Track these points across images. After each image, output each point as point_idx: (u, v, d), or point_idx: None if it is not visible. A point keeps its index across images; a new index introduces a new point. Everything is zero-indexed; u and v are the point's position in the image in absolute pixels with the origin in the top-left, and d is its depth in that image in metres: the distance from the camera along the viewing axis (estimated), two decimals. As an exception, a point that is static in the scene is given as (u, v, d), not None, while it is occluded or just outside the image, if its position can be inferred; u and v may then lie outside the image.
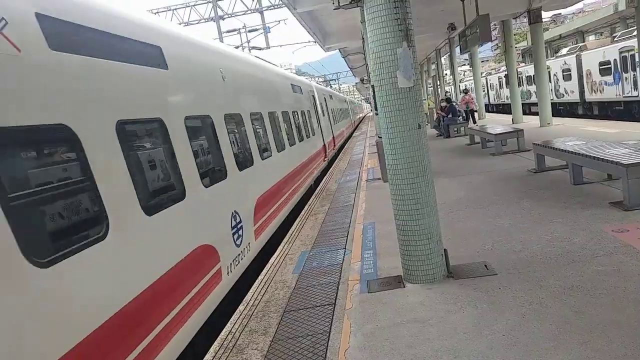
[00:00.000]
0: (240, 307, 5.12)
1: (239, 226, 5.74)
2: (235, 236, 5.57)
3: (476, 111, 23.40)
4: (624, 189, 5.93)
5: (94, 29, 3.67)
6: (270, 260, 6.67)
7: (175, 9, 29.22)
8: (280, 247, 7.29)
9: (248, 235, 6.07)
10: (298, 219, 8.99)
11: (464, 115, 21.39)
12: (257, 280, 5.91)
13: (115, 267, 3.26)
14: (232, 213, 5.61)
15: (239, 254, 5.59)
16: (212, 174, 5.38)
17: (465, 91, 23.46)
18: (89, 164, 3.21)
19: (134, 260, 3.48)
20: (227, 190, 5.67)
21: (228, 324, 4.68)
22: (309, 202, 10.54)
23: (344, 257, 6.05)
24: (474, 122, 21.50)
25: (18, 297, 2.48)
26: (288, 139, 10.39)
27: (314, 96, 13.06)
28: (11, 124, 2.69)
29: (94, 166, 3.24)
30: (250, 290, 5.64)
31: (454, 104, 20.58)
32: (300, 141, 11.93)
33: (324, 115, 17.51)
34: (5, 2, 2.83)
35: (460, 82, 34.92)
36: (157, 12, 29.41)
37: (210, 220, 4.99)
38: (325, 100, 14.63)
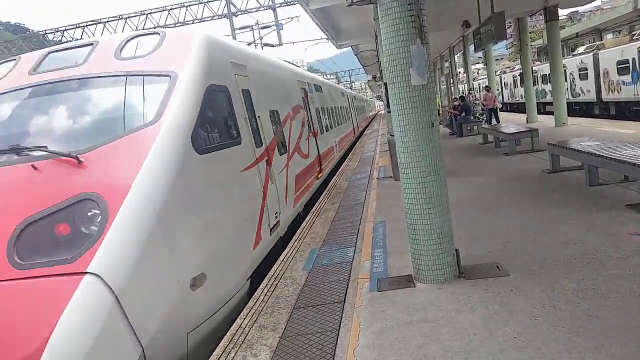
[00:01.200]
0: (250, 303, 5.12)
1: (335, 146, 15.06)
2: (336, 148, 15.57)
3: (500, 109, 21.97)
4: (640, 191, 5.83)
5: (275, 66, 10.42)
6: (281, 257, 6.67)
7: (189, 5, 29.39)
8: (290, 244, 7.28)
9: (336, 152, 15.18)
10: (308, 216, 8.98)
11: (486, 114, 20.66)
12: (267, 276, 5.92)
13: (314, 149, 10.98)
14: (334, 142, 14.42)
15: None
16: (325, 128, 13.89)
17: (488, 88, 22.15)
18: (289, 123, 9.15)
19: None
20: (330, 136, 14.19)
21: (238, 319, 4.68)
22: (320, 200, 10.53)
23: (354, 255, 6.02)
24: (497, 121, 19.99)
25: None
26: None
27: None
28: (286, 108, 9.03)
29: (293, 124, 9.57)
30: (260, 286, 5.64)
31: (476, 102, 20.38)
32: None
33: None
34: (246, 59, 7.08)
35: (474, 80, 34.61)
36: (171, 9, 29.63)
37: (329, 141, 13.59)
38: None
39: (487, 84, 23.33)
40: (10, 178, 3.86)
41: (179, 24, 29.75)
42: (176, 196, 3.94)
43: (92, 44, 5.33)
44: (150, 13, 29.90)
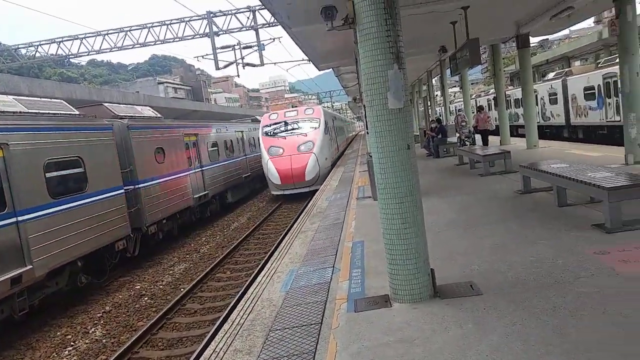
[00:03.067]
0: (226, 326, 5.11)
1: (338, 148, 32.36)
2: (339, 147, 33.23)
3: (491, 131, 20.08)
4: (605, 212, 6.06)
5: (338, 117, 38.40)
6: (258, 278, 6.68)
7: (170, 23, 29.45)
8: (268, 265, 7.30)
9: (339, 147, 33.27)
10: (287, 236, 9.01)
11: (473, 137, 19.55)
12: (243, 299, 5.91)
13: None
14: (336, 145, 29.60)
15: (336, 152, 29.51)
16: (339, 137, 33.45)
17: (480, 108, 20.89)
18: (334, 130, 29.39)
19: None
20: (333, 143, 27.11)
21: (212, 343, 4.67)
22: (299, 220, 10.57)
23: (332, 275, 6.08)
24: (486, 144, 18.71)
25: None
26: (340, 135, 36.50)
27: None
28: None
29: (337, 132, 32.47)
30: (237, 309, 5.63)
31: (464, 124, 19.69)
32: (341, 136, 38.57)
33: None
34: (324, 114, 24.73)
35: (450, 103, 35.38)
36: (152, 26, 29.65)
37: (335, 146, 28.68)
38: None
39: (462, 106, 23.70)
40: (292, 141, 20.47)
41: (159, 42, 29.75)
42: (324, 141, 21.07)
43: (297, 109, 23.77)
44: (129, 30, 29.84)
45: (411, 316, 4.36)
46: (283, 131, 21.14)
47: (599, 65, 21.32)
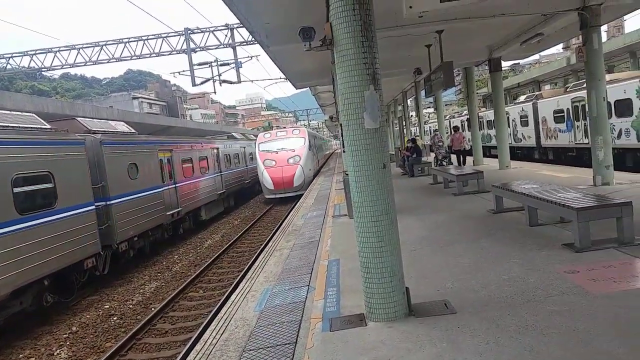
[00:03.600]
0: (198, 346, 5.01)
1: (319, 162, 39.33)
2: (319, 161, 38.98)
3: (469, 151, 20.56)
4: (574, 232, 6.22)
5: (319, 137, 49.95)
6: (231, 297, 6.58)
7: (147, 39, 29.31)
8: (242, 284, 7.21)
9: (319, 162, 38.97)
10: (262, 255, 8.94)
11: (449, 157, 19.64)
12: (216, 318, 5.82)
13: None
14: (317, 159, 36.15)
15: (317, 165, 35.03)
16: (319, 153, 40.85)
17: (456, 128, 21.23)
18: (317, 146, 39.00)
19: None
20: (315, 157, 33.06)
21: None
22: (274, 238, 10.51)
23: (307, 294, 6.04)
24: (463, 163, 19.31)
25: None
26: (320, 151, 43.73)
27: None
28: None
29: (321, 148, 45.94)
30: (209, 329, 5.53)
31: (440, 144, 19.75)
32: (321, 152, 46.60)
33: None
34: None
35: (425, 123, 36.03)
36: (128, 42, 29.46)
37: (316, 160, 34.95)
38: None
39: (436, 127, 24.03)
40: (283, 155, 25.24)
41: (135, 57, 29.53)
42: (308, 155, 26.12)
43: (285, 130, 29.38)
44: (105, 45, 29.57)
45: (386, 335, 4.36)
46: (275, 147, 25.95)
47: (568, 90, 22.06)
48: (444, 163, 19.05)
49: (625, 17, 33.70)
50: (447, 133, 24.88)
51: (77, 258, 10.42)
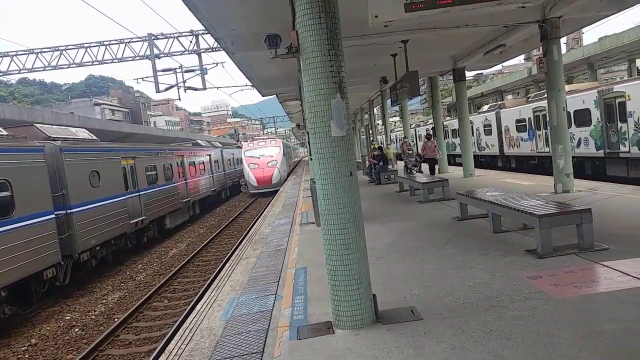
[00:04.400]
0: (163, 357, 4.89)
1: (290, 165, 47.10)
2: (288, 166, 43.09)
3: (437, 161, 19.31)
4: (537, 238, 6.38)
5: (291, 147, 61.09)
6: (197, 307, 6.46)
7: (109, 44, 28.66)
8: (208, 293, 7.08)
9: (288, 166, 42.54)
10: (228, 263, 8.81)
11: (420, 165, 19.15)
12: (181, 328, 5.69)
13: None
14: (289, 163, 45.01)
15: (289, 167, 43.89)
16: (290, 159, 48.16)
17: (429, 136, 19.49)
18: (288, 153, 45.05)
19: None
20: (288, 161, 41.78)
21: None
22: (241, 246, 10.39)
23: (274, 302, 5.98)
24: (433, 173, 18.33)
25: None
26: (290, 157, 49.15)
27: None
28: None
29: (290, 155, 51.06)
30: (174, 339, 5.41)
31: (410, 152, 19.60)
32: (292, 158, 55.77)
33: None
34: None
35: (391, 131, 36.49)
36: (89, 47, 28.72)
37: (289, 163, 44.00)
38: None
39: (405, 135, 24.12)
40: (264, 160, 32.76)
41: (97, 62, 28.82)
42: (283, 160, 34.11)
43: (265, 140, 36.41)
44: (65, 49, 28.74)
45: (353, 342, 4.35)
46: (258, 154, 33.45)
47: (529, 99, 22.78)
48: (414, 172, 18.56)
49: (584, 29, 35.20)
50: (413, 142, 25.15)
51: (36, 268, 10.05)
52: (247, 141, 43.35)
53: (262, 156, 32.93)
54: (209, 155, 29.53)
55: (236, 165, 38.26)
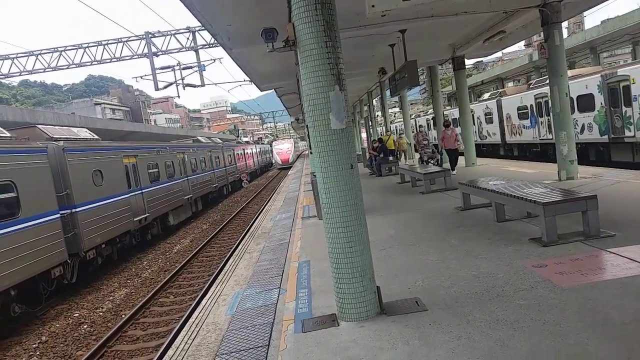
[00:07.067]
0: (170, 352, 4.90)
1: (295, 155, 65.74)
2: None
3: (462, 152, 16.81)
4: (541, 226, 6.34)
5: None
6: (202, 302, 6.47)
7: (107, 44, 28.59)
8: (212, 288, 7.09)
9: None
10: (232, 258, 8.82)
11: (440, 157, 17.25)
12: (187, 323, 5.70)
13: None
14: (297, 152, 70.90)
15: (297, 154, 66.83)
16: (297, 149, 73.41)
17: (447, 124, 16.32)
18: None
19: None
20: (297, 151, 69.23)
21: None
22: (244, 241, 10.40)
23: (278, 296, 5.98)
24: (455, 165, 15.76)
25: None
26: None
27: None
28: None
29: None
30: (181, 334, 5.42)
31: (425, 142, 18.12)
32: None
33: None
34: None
35: (391, 123, 36.38)
36: (88, 47, 28.65)
37: (297, 152, 70.35)
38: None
39: (421, 123, 23.89)
40: (284, 149, 61.84)
41: (96, 62, 28.77)
42: (295, 149, 64.25)
43: (284, 139, 72.79)
44: (64, 50, 28.68)
45: (358, 334, 4.34)
46: (280, 146, 60.96)
47: (531, 86, 22.60)
48: (431, 163, 16.66)
49: (585, 13, 34.92)
50: (413, 132, 24.88)
51: (43, 267, 10.13)
52: (269, 139, 73.73)
53: (282, 148, 60.24)
54: (210, 151, 29.52)
55: (236, 161, 38.18)
